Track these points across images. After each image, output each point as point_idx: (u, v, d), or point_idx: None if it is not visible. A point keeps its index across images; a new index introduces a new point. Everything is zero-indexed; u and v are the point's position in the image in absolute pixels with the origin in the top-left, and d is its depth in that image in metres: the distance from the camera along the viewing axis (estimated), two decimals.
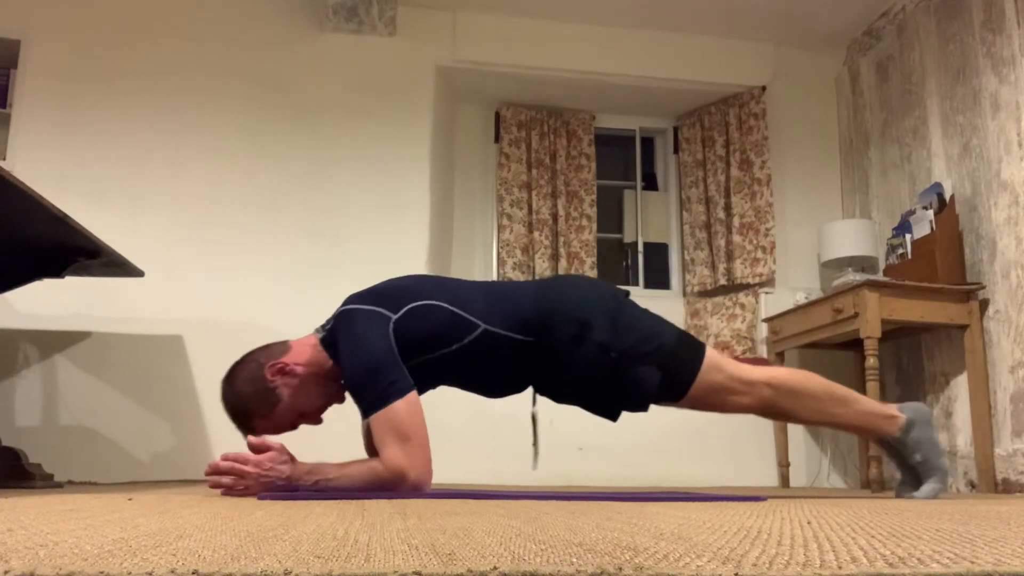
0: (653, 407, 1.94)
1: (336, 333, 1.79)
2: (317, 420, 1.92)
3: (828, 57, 4.43)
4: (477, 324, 1.83)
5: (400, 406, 1.68)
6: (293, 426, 1.88)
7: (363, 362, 1.71)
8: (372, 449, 1.80)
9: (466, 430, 3.46)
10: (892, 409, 1.99)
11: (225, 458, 1.64)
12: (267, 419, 1.83)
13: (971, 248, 3.33)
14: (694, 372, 1.88)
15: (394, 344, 1.73)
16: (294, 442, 1.78)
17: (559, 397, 1.99)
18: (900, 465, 2.05)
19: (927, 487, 1.96)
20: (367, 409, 1.71)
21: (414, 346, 1.78)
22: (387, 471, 1.66)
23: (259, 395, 1.81)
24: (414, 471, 1.68)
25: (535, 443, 2.08)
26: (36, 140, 3.64)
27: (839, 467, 3.90)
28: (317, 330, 1.90)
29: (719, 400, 1.93)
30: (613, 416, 1.98)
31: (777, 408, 1.96)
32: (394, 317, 1.76)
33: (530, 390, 2.00)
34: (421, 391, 1.89)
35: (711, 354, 1.92)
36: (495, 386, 1.97)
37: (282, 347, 1.88)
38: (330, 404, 1.91)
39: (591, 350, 1.82)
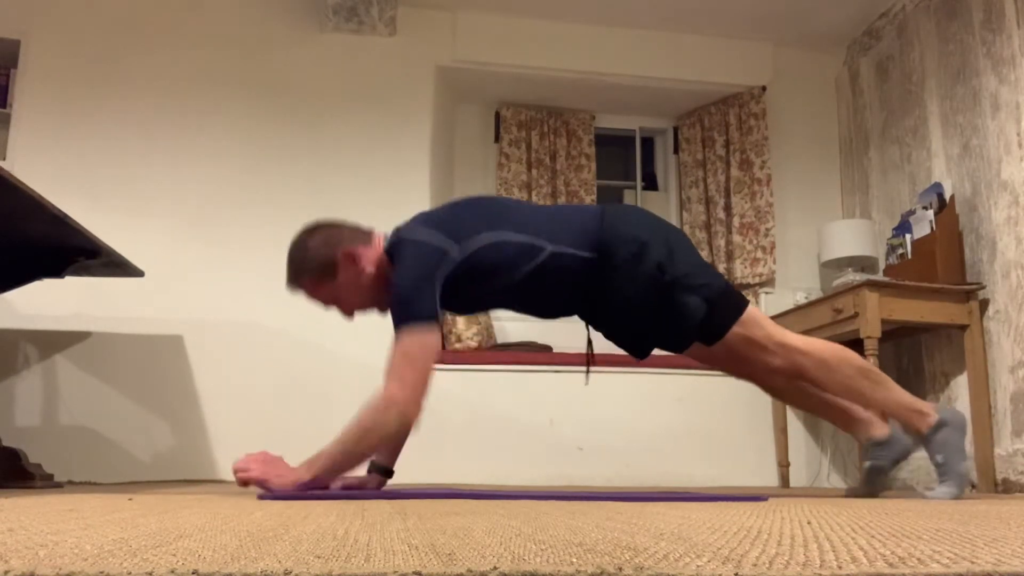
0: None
1: (397, 248, 1.89)
2: (349, 315, 2.01)
3: (828, 57, 4.43)
4: (544, 246, 1.91)
5: (415, 337, 1.75)
6: (326, 304, 1.99)
7: (402, 285, 1.80)
8: None
9: (466, 430, 3.46)
10: (927, 407, 2.00)
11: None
12: (314, 284, 1.94)
13: (971, 248, 3.33)
14: (734, 317, 1.94)
15: (439, 276, 1.81)
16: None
17: (603, 323, 2.06)
18: (892, 464, 2.09)
19: (942, 489, 1.96)
20: (394, 327, 1.79)
21: (481, 279, 1.88)
22: (380, 397, 1.73)
23: (322, 260, 1.92)
24: (403, 395, 1.73)
25: (588, 362, 2.22)
26: (36, 140, 3.64)
27: (839, 467, 3.90)
28: (388, 235, 1.99)
29: (750, 355, 1.98)
30: (643, 352, 2.05)
31: (808, 376, 1.99)
32: (457, 251, 1.85)
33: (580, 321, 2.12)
34: (482, 309, 2.06)
35: (754, 309, 1.98)
36: (551, 308, 2.05)
37: (367, 238, 1.96)
38: (369, 309, 2.01)
39: (648, 268, 1.89)
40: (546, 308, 2.06)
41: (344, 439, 1.71)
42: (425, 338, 1.77)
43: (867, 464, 2.15)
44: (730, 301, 1.95)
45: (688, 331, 1.95)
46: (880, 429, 2.12)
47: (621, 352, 2.13)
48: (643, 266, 1.90)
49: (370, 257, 1.94)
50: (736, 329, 1.93)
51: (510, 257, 1.89)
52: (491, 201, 2.03)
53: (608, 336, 2.09)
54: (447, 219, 1.92)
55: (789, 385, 2.13)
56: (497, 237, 1.89)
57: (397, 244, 1.89)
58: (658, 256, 1.90)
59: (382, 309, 2.01)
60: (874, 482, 2.13)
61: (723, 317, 1.93)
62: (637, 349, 2.06)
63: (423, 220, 1.93)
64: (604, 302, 1.98)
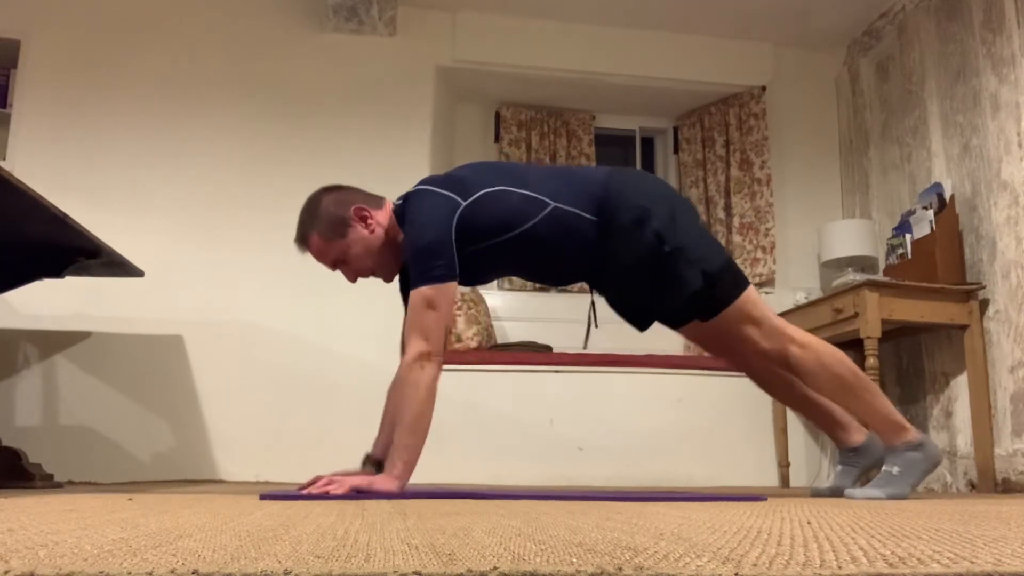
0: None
1: (406, 208, 1.93)
2: (352, 277, 2.03)
3: (828, 57, 4.42)
4: (547, 202, 1.92)
5: (436, 289, 1.81)
6: (334, 266, 2.00)
7: (419, 241, 1.84)
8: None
9: (465, 430, 3.45)
10: (911, 428, 1.97)
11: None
12: (321, 241, 1.96)
13: (971, 248, 3.33)
14: (733, 296, 1.94)
15: (454, 231, 1.84)
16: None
17: (608, 289, 2.07)
18: (861, 471, 2.11)
19: (868, 489, 1.93)
20: (412, 282, 1.84)
21: (486, 229, 1.89)
22: (410, 359, 1.78)
23: (333, 219, 1.95)
24: (429, 346, 1.79)
25: (590, 322, 2.24)
26: (36, 140, 3.64)
27: None
28: (396, 201, 2.02)
29: (743, 334, 1.97)
30: (643, 323, 2.06)
31: (795, 367, 1.98)
32: (464, 203, 1.87)
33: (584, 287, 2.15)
34: (490, 276, 2.06)
35: (753, 291, 1.99)
36: (558, 271, 2.06)
37: (379, 202, 2.03)
38: (376, 275, 2.04)
39: (648, 236, 1.89)
40: (553, 272, 2.06)
41: (403, 423, 1.75)
42: (447, 288, 1.82)
43: (838, 467, 2.15)
44: (730, 277, 1.95)
45: (683, 303, 1.94)
46: (857, 435, 2.12)
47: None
48: (643, 234, 1.89)
49: (381, 220, 1.98)
50: (732, 306, 1.94)
51: (512, 208, 1.90)
52: (492, 163, 2.10)
53: (610, 304, 2.10)
54: (450, 179, 1.96)
55: (776, 375, 2.12)
56: (498, 188, 1.92)
57: (406, 203, 1.94)
58: (659, 225, 1.89)
59: (387, 276, 2.04)
60: (842, 486, 2.12)
61: (720, 294, 1.93)
62: (637, 320, 2.07)
63: (428, 181, 1.97)
64: (607, 267, 1.99)
